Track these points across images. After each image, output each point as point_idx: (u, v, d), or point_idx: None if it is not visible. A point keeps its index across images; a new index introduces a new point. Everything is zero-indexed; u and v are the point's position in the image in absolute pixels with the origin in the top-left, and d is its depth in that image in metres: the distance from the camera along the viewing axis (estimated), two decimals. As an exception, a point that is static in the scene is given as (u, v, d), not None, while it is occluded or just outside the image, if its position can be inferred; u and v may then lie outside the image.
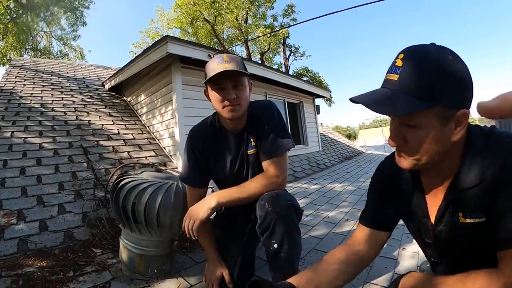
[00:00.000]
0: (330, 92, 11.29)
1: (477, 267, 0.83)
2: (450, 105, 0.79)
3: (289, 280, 1.08)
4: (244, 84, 1.61)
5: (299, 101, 9.32)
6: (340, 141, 12.84)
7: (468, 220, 0.88)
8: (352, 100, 0.87)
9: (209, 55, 4.90)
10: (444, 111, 0.80)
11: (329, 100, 24.99)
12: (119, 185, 1.95)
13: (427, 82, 0.78)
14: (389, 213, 1.16)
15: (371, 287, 1.85)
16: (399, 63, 0.83)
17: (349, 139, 15.20)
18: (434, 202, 0.99)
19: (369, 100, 0.86)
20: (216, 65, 1.53)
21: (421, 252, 2.22)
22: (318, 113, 10.43)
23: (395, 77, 0.84)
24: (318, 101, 10.67)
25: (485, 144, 0.85)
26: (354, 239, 1.22)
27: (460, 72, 0.79)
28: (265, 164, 1.67)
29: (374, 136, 53.29)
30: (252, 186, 1.62)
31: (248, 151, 1.74)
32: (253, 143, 1.72)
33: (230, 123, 1.69)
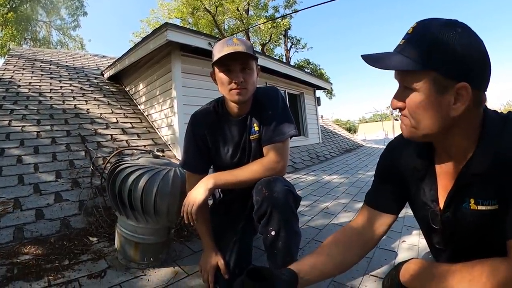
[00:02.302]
0: (331, 84, 11.21)
1: (483, 256, 0.78)
2: (447, 74, 0.79)
3: (290, 267, 1.04)
4: (252, 68, 1.57)
5: (300, 92, 9.27)
6: (340, 134, 12.81)
7: (479, 207, 0.85)
8: (363, 57, 0.90)
9: (210, 43, 4.86)
10: (441, 79, 0.79)
11: (329, 92, 24.93)
12: (116, 171, 1.91)
13: (425, 47, 0.80)
14: (396, 195, 1.13)
15: (371, 279, 1.83)
16: (410, 30, 0.86)
17: (349, 132, 15.16)
18: (445, 186, 0.96)
19: (370, 57, 0.90)
20: (225, 47, 1.49)
21: (421, 245, 2.29)
22: (319, 105, 10.41)
23: (402, 41, 0.87)
24: (318, 93, 10.65)
25: (502, 129, 0.83)
26: (358, 220, 1.19)
27: (465, 45, 0.78)
28: (265, 149, 1.64)
29: (374, 130, 53.46)
30: (250, 169, 1.58)
31: (251, 136, 1.70)
32: (256, 128, 1.69)
33: (234, 107, 1.66)
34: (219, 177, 1.58)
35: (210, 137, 1.73)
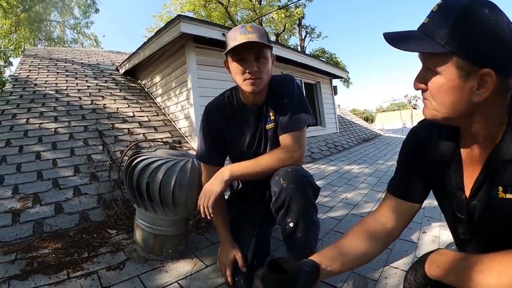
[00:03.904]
0: (348, 72, 10.95)
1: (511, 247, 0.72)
2: (470, 59, 0.74)
3: (311, 258, 0.99)
4: (266, 56, 1.51)
5: (316, 82, 9.11)
6: (357, 123, 12.64)
7: (508, 195, 0.80)
8: (384, 35, 0.86)
9: (224, 34, 4.79)
10: (464, 64, 0.75)
11: (346, 81, 24.65)
12: (133, 164, 1.88)
13: (448, 28, 0.75)
14: (420, 182, 1.07)
15: (391, 271, 1.77)
16: (435, 8, 0.81)
17: (366, 122, 14.98)
18: (471, 174, 0.90)
19: (392, 36, 0.85)
20: (238, 35, 1.42)
21: (442, 236, 2.21)
22: (336, 94, 10.21)
23: (426, 20, 0.82)
24: (335, 82, 10.44)
25: None
26: (380, 210, 1.13)
27: (491, 28, 0.72)
28: (282, 138, 1.58)
29: (392, 119, 52.86)
30: (267, 159, 1.52)
31: (267, 126, 1.65)
32: (272, 117, 1.63)
33: (249, 97, 1.60)
34: (235, 169, 1.52)
35: (225, 129, 1.68)
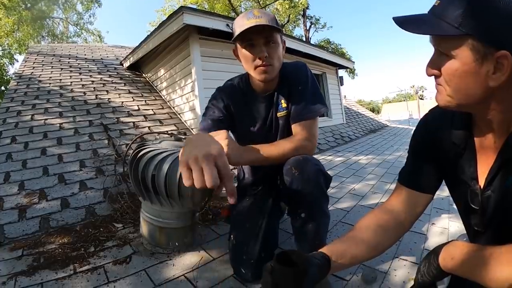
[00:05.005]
0: (353, 63, 10.79)
1: None
2: (486, 40, 0.69)
3: (321, 250, 0.94)
4: (277, 41, 1.46)
5: (321, 72, 9.02)
6: (364, 114, 12.57)
7: None
8: (394, 19, 0.81)
9: (228, 25, 4.75)
10: (479, 46, 0.70)
11: (352, 72, 24.46)
12: (138, 156, 1.84)
13: (462, 9, 0.70)
14: (432, 172, 1.03)
15: (401, 263, 1.74)
16: None
17: (372, 113, 14.89)
18: (485, 163, 0.87)
19: (402, 20, 0.80)
20: (245, 21, 1.38)
21: (451, 228, 2.16)
22: (342, 84, 10.12)
23: (437, 3, 0.77)
24: (341, 72, 10.34)
25: None
26: (391, 201, 1.09)
27: (508, 7, 0.67)
28: (294, 127, 1.54)
29: (399, 110, 52.74)
30: (279, 147, 1.47)
31: (278, 114, 1.61)
32: (283, 105, 1.59)
33: (260, 84, 1.56)
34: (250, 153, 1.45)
35: (235, 110, 1.63)
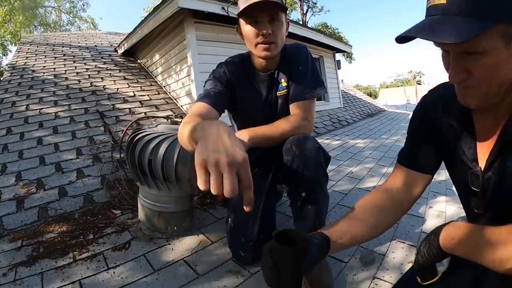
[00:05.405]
0: (351, 46, 10.60)
1: None
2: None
3: (321, 231, 0.92)
4: (281, 20, 1.43)
5: (319, 56, 8.92)
6: (361, 98, 12.55)
7: None
8: (398, 38, 0.72)
9: (223, 8, 4.67)
10: (508, 28, 0.63)
11: (349, 56, 24.28)
12: (134, 140, 1.82)
13: None
14: (431, 153, 1.01)
15: (399, 245, 1.75)
16: None
17: (370, 97, 14.68)
18: (485, 144, 0.84)
19: (417, 30, 0.69)
20: None
21: (448, 211, 2.16)
22: (339, 68, 10.05)
23: (442, 0, 0.66)
24: (338, 56, 10.26)
25: None
26: (390, 182, 1.06)
27: None
28: (293, 106, 1.52)
29: (396, 96, 52.70)
30: (277, 126, 1.44)
31: (278, 93, 1.58)
32: (284, 84, 1.57)
33: (262, 62, 1.53)
34: (253, 133, 1.41)
35: (236, 85, 1.60)
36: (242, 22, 1.45)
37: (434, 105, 0.97)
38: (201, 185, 0.68)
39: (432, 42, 0.70)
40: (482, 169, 0.84)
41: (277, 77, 1.58)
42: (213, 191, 0.67)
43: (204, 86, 1.60)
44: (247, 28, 1.42)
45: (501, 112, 0.78)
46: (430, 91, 1.02)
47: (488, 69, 0.67)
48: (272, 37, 1.40)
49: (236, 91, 1.60)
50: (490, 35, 0.63)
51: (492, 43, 0.64)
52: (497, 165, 0.80)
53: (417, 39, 0.68)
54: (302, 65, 1.55)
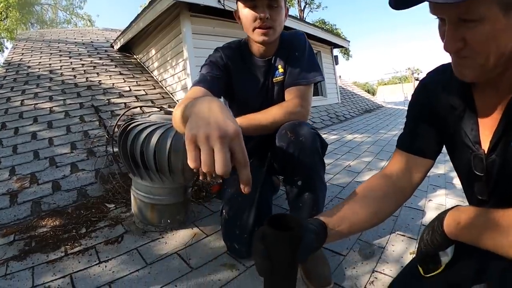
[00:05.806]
0: (349, 42, 10.54)
1: None
2: None
3: (317, 217, 0.86)
4: (280, 4, 1.40)
5: (316, 51, 8.82)
6: (359, 94, 12.56)
7: None
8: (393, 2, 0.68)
9: (219, 1, 4.61)
10: None
11: (347, 53, 24.21)
12: (126, 131, 1.78)
13: None
14: (431, 136, 0.97)
15: (398, 238, 1.74)
16: None
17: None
18: (488, 125, 0.80)
19: None
20: None
21: (448, 204, 2.13)
22: (337, 63, 10.02)
23: None
24: (335, 52, 10.24)
25: None
26: (390, 167, 1.02)
27: None
28: (288, 92, 1.49)
29: (394, 92, 52.90)
30: (270, 113, 1.40)
31: (274, 79, 1.55)
32: (280, 70, 1.54)
33: (260, 47, 1.50)
34: (241, 120, 1.38)
35: (233, 70, 1.56)
36: (240, 5, 1.42)
37: (433, 86, 0.94)
38: (191, 162, 0.62)
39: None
40: (486, 151, 0.80)
41: (274, 63, 1.55)
42: (204, 168, 0.61)
43: (200, 71, 1.55)
44: (245, 12, 1.39)
45: (502, 88, 0.74)
46: (428, 74, 0.99)
47: (485, 38, 0.64)
48: (270, 22, 1.37)
49: (232, 77, 1.57)
50: (488, 1, 0.60)
51: (489, 10, 0.61)
52: (501, 147, 0.76)
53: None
54: (299, 51, 1.52)
